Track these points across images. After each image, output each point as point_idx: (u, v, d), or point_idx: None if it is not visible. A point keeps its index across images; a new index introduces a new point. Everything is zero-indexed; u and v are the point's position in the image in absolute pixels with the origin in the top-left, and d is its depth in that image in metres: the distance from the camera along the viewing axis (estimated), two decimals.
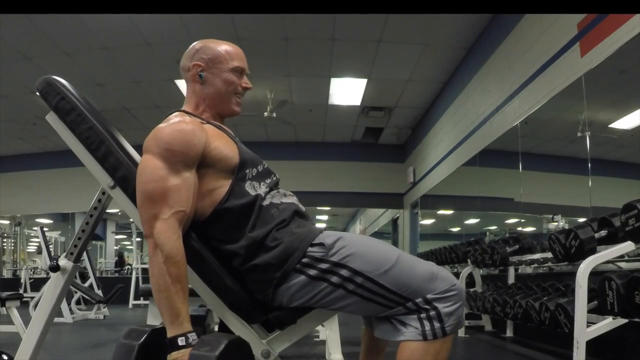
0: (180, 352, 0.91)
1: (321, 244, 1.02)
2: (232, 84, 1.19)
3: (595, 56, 2.75)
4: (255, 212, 1.05)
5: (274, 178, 1.18)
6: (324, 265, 1.00)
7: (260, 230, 1.04)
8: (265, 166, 1.17)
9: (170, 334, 0.93)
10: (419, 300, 0.97)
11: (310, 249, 1.02)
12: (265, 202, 1.08)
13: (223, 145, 1.09)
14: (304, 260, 1.01)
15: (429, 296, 0.97)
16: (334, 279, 1.00)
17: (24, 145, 7.85)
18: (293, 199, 1.17)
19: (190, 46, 1.22)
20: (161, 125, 1.08)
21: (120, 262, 10.64)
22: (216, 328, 1.35)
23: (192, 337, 0.93)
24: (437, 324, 0.96)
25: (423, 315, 0.97)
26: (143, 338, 0.95)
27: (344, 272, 0.99)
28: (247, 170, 1.09)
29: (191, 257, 1.03)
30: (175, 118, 1.10)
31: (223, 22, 4.34)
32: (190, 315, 1.27)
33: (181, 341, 0.92)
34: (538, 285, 2.78)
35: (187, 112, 1.16)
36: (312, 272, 1.00)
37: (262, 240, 1.03)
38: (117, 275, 9.93)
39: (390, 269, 0.98)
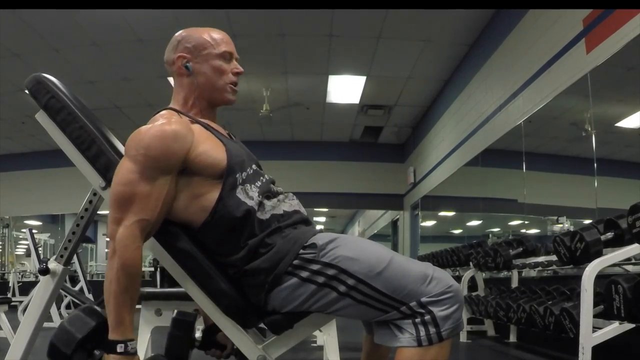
0: (117, 358, 0.93)
1: (313, 245, 1.01)
2: (223, 71, 1.15)
3: (601, 53, 2.73)
4: (249, 226, 1.03)
5: (264, 179, 1.13)
6: (315, 267, 0.99)
7: (255, 239, 1.03)
8: (255, 168, 1.14)
9: (111, 336, 0.95)
10: (413, 304, 0.95)
11: (302, 251, 1.01)
12: (265, 216, 1.05)
13: (210, 149, 1.06)
14: (296, 262, 1.01)
15: (424, 299, 0.95)
16: (324, 280, 0.98)
17: (13, 145, 7.78)
18: (294, 205, 1.14)
19: (172, 38, 1.18)
20: (143, 127, 1.04)
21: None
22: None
23: (132, 345, 0.95)
24: (432, 329, 0.94)
25: (418, 320, 0.95)
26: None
27: (334, 273, 0.98)
28: (237, 175, 1.06)
29: (184, 260, 1.04)
30: (160, 119, 1.07)
31: (217, 18, 4.29)
32: (176, 319, 1.23)
33: (120, 348, 0.94)
34: (542, 289, 2.75)
35: (176, 111, 1.13)
36: (304, 274, 1.00)
37: (256, 249, 1.03)
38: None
39: (382, 271, 0.97)
